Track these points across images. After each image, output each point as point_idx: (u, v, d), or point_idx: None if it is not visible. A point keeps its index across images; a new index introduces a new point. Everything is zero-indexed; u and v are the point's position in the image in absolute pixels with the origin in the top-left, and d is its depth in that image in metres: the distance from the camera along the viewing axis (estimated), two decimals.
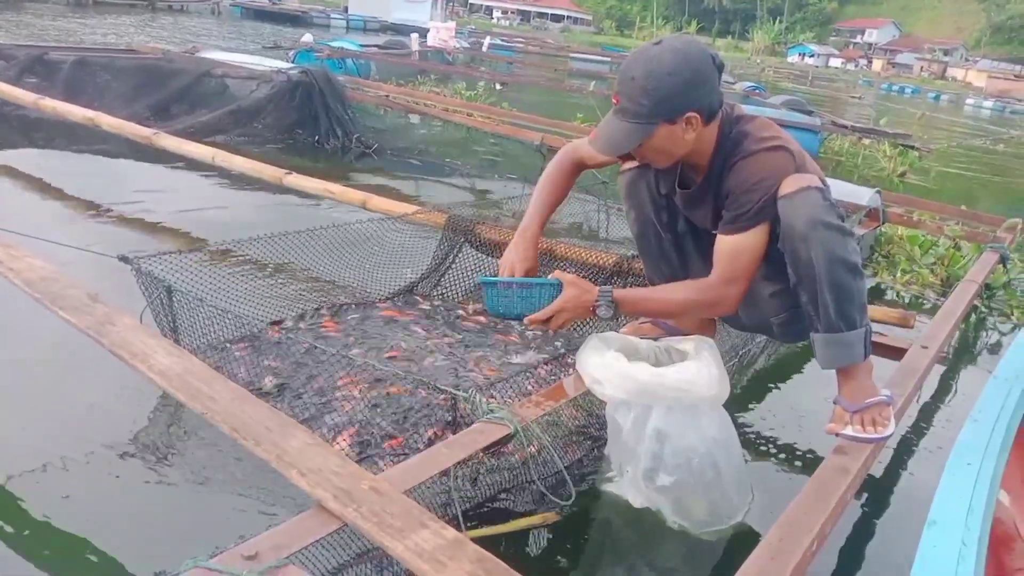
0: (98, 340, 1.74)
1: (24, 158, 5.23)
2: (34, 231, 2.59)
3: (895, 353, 2.66)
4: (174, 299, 2.24)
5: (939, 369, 3.58)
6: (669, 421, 1.92)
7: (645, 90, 1.80)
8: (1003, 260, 4.30)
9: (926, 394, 3.24)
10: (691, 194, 2.05)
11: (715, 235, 1.99)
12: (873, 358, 2.61)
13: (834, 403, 2.03)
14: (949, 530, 1.35)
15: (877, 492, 2.54)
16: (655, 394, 1.93)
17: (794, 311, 2.02)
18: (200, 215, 4.18)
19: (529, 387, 2.16)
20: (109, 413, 2.31)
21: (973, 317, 4.42)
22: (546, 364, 2.32)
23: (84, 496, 1.96)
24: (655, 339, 2.26)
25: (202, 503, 2.00)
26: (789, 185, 1.83)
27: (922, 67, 76.60)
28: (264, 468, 1.50)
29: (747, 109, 2.10)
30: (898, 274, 4.84)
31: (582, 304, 1.97)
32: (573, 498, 1.83)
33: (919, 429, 3.01)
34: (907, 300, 4.63)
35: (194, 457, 2.14)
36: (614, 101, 1.88)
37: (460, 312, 3.09)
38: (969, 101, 45.29)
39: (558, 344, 2.82)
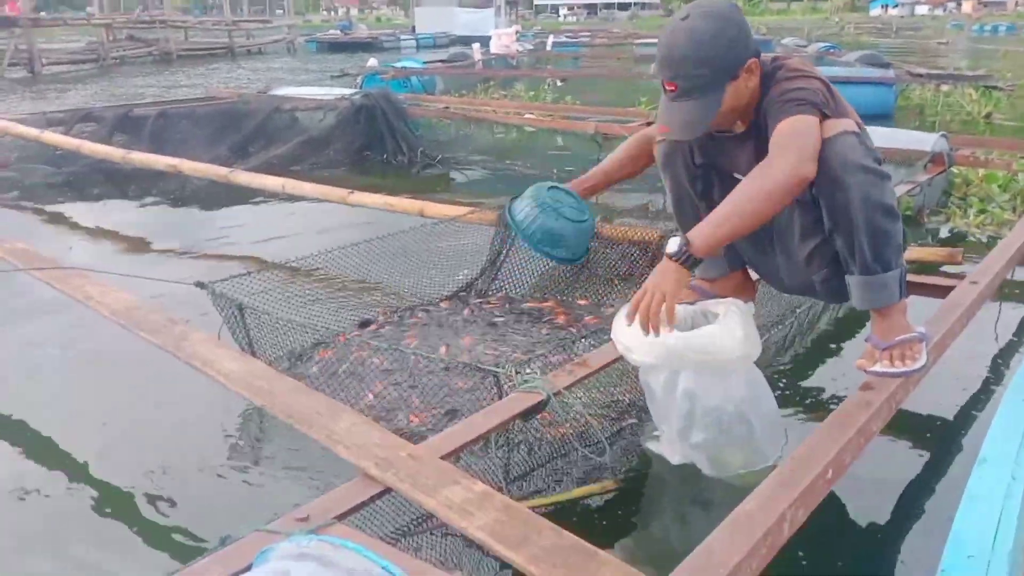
0: (175, 354, 2.00)
1: (119, 208, 5.75)
2: (127, 271, 2.92)
3: (942, 292, 2.64)
4: (246, 315, 2.48)
5: (1008, 309, 3.51)
6: (697, 382, 2.00)
7: (701, 61, 1.84)
8: None
9: (987, 334, 3.19)
10: (735, 137, 2.04)
11: None
12: (920, 299, 2.65)
13: (866, 341, 2.08)
14: (999, 467, 1.35)
15: (933, 436, 2.57)
16: (682, 358, 2.03)
17: (835, 267, 2.02)
18: (276, 242, 4.50)
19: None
20: (206, 425, 2.60)
21: None
22: (584, 339, 2.45)
23: (190, 493, 2.26)
24: (692, 303, 2.35)
25: (281, 489, 2.25)
26: (825, 131, 1.84)
27: (1016, 1, 72.28)
28: (330, 455, 1.69)
29: (821, 70, 2.08)
30: (972, 216, 4.72)
31: (664, 274, 1.84)
32: (606, 454, 1.96)
33: (984, 370, 2.99)
34: (985, 241, 4.52)
35: (273, 453, 2.40)
36: (670, 88, 1.89)
37: (517, 303, 3.25)
38: None
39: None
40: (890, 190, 1.90)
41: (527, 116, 6.93)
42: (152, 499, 2.20)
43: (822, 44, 18.24)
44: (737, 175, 2.04)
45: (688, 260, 1.81)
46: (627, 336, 2.12)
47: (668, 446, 2.10)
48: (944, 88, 9.65)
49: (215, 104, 7.48)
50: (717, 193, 2.18)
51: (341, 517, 1.47)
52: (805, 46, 18.71)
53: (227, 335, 2.55)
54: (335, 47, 31.08)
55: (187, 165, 4.91)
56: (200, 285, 2.51)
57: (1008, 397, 1.62)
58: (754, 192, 1.79)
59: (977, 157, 5.10)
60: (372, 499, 1.54)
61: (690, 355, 2.01)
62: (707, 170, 2.17)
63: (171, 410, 2.71)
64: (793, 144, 1.80)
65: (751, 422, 2.02)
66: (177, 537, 2.06)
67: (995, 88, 9.35)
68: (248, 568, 1.23)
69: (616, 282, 3.35)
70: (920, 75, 9.99)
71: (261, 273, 2.76)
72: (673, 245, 1.83)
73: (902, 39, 35.49)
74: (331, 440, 1.66)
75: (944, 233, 4.69)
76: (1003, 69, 12.05)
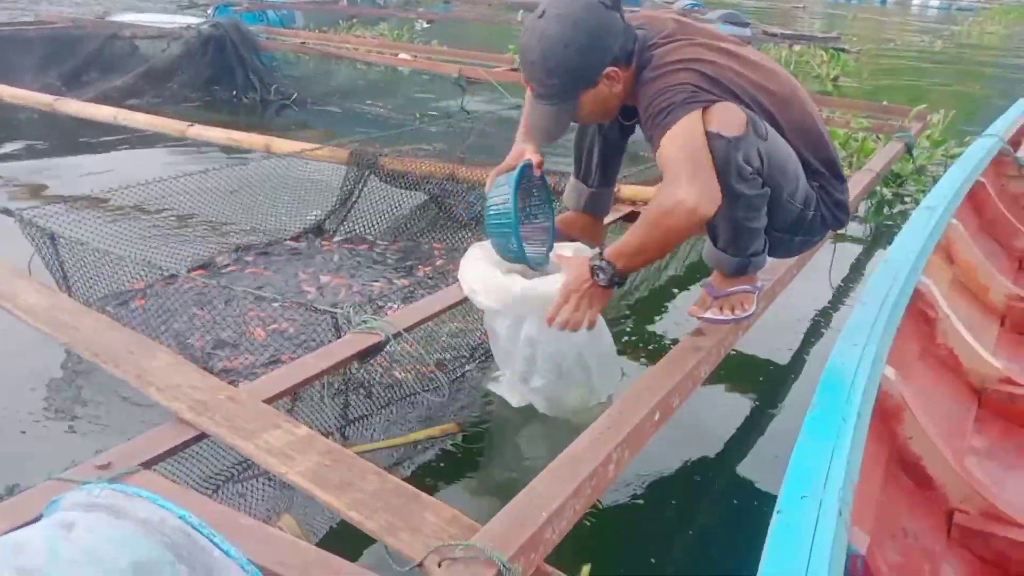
0: None
1: None
2: None
3: None
4: (59, 247, 2.26)
5: (841, 257, 3.70)
6: (540, 329, 1.97)
7: (549, 71, 1.73)
8: (908, 149, 4.40)
9: (823, 284, 3.35)
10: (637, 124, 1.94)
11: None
12: None
13: (701, 287, 2.11)
14: (830, 410, 1.40)
15: (769, 381, 2.68)
16: (527, 305, 1.99)
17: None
18: (106, 176, 4.10)
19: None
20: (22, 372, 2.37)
21: (871, 204, 4.64)
22: (430, 279, 2.39)
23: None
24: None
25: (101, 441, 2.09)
26: (708, 122, 1.70)
27: None
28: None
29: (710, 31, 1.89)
30: None
31: (583, 282, 1.77)
32: (447, 395, 1.92)
33: (818, 316, 3.15)
34: None
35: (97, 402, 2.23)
36: (529, 89, 1.82)
37: (367, 245, 3.15)
38: (916, 2, 45.25)
39: None
40: (745, 206, 1.76)
41: (392, 56, 6.69)
42: None
43: (687, 2, 18.58)
44: None
45: (614, 284, 1.78)
46: (474, 279, 2.07)
47: (508, 389, 2.08)
48: (797, 48, 10.05)
49: (44, 28, 6.79)
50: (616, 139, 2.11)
51: (148, 464, 1.36)
52: (671, 2, 19.03)
53: (42, 274, 2.32)
54: None
55: (6, 91, 4.44)
56: (6, 212, 2.27)
57: (840, 342, 1.69)
58: (656, 210, 1.71)
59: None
60: (184, 445, 1.43)
61: (534, 303, 1.97)
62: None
63: None
64: (684, 172, 1.66)
65: (590, 367, 2.02)
66: None
67: (843, 51, 9.82)
68: (38, 519, 1.12)
69: (473, 225, 3.30)
70: (775, 35, 10.36)
71: (81, 203, 2.53)
72: (598, 267, 1.75)
73: (763, 2, 36.78)
74: (142, 380, 1.53)
75: None
76: (849, 33, 12.69)
